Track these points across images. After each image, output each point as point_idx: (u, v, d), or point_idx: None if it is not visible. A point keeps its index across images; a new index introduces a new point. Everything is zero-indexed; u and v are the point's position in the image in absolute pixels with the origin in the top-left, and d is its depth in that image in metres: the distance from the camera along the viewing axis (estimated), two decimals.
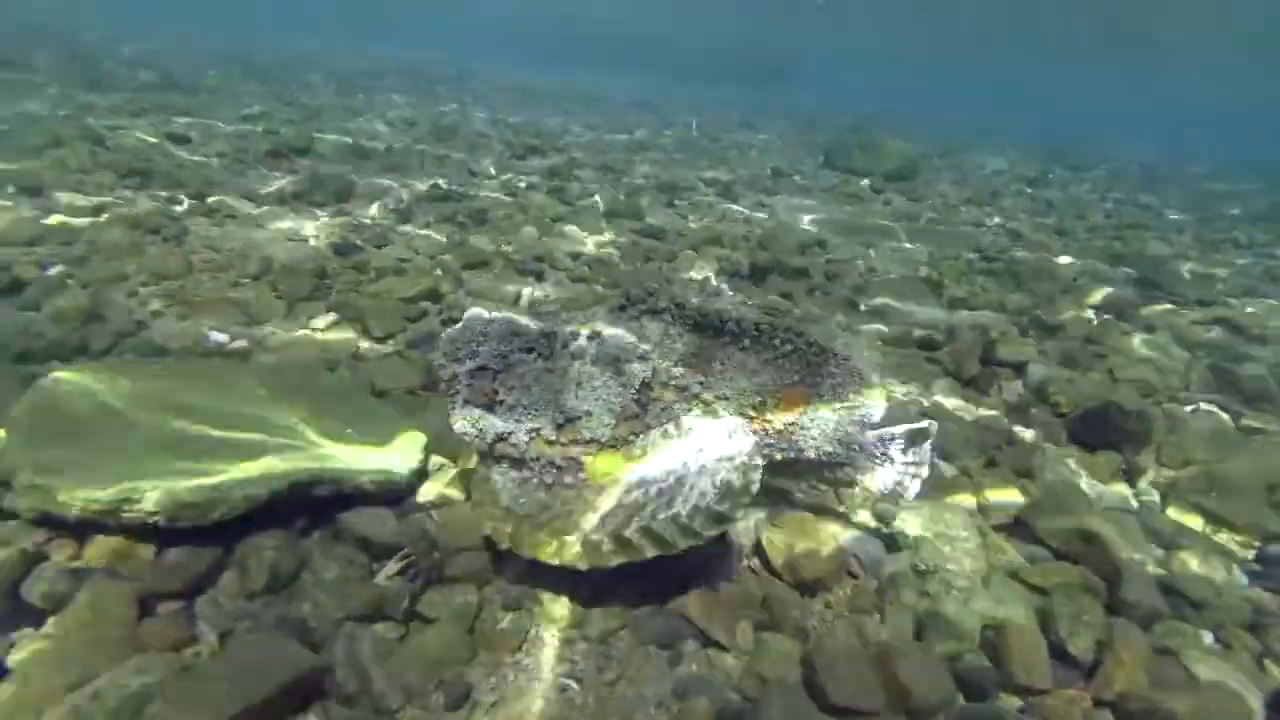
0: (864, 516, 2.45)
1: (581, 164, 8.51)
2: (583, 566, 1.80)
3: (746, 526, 2.33)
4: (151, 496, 1.80)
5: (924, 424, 2.27)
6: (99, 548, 1.85)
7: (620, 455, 2.01)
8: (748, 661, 1.85)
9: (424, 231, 5.11)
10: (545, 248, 4.96)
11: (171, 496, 1.81)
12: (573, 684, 1.75)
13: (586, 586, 1.97)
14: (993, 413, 3.38)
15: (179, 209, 4.82)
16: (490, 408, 1.97)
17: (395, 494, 2.18)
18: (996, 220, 8.16)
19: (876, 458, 2.25)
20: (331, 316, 3.49)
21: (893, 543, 2.34)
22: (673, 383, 2.04)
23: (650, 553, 1.78)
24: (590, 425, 1.98)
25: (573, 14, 55.20)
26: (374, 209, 5.51)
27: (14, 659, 1.54)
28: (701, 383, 2.08)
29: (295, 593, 1.86)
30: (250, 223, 4.78)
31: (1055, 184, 11.97)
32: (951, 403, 3.47)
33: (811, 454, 2.16)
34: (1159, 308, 5.41)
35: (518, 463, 1.99)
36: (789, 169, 10.01)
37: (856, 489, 2.27)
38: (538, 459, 1.97)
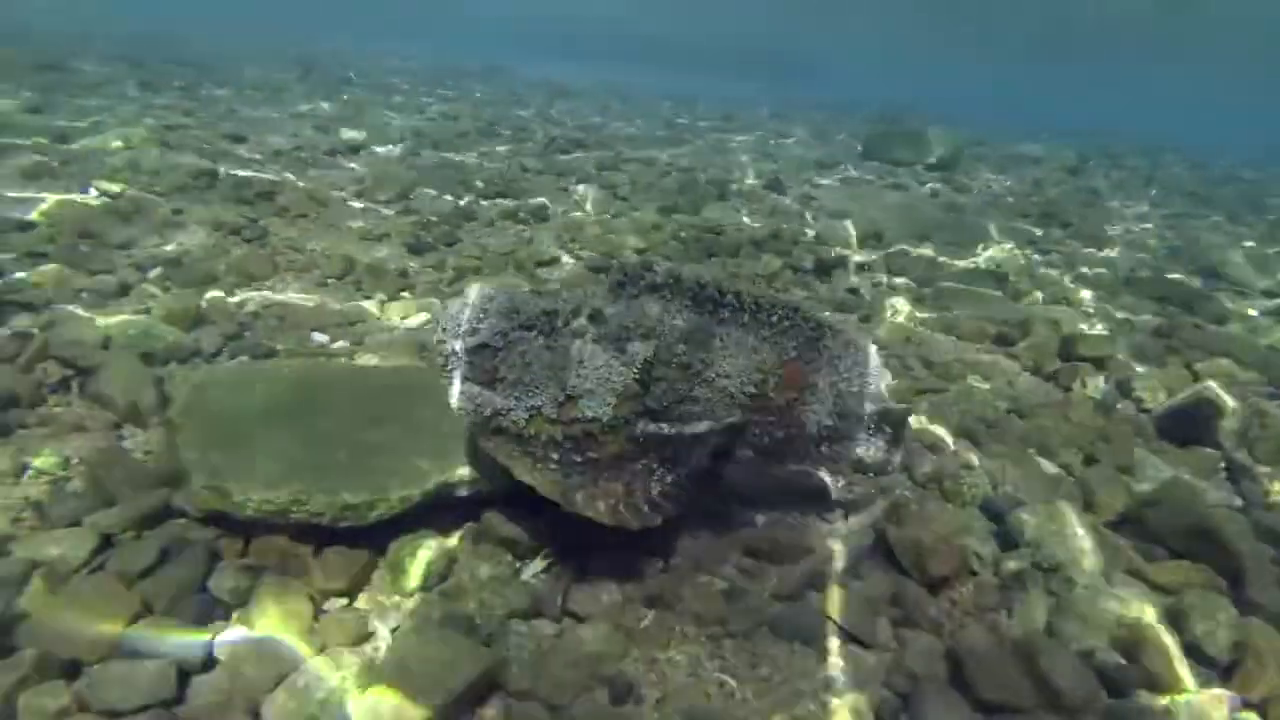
0: (978, 513, 2.49)
1: (628, 158, 8.53)
2: (635, 525, 1.92)
3: (864, 524, 2.38)
4: (319, 499, 1.87)
5: (902, 407, 2.33)
6: (264, 546, 1.93)
7: (622, 436, 1.99)
8: (893, 657, 1.90)
9: (489, 229, 5.17)
10: (611, 245, 5.00)
11: (335, 498, 1.89)
12: (729, 679, 1.81)
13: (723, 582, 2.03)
14: (1081, 409, 3.39)
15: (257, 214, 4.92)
16: (490, 384, 1.92)
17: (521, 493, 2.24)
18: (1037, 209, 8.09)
19: (870, 430, 2.30)
20: (424, 316, 3.56)
21: (1009, 540, 2.38)
22: (675, 360, 1.99)
23: (673, 509, 1.94)
24: (591, 404, 1.93)
25: (579, 13, 55.10)
26: (436, 205, 5.58)
27: (219, 651, 1.63)
28: (704, 360, 2.02)
29: (454, 591, 1.93)
30: (324, 222, 4.87)
31: (1095, 173, 11.80)
32: (1036, 399, 3.48)
33: (813, 429, 2.17)
34: (1226, 300, 5.35)
35: (517, 439, 1.94)
36: (830, 160, 9.96)
37: (846, 462, 2.31)
38: (537, 436, 1.93)
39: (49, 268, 3.50)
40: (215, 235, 4.33)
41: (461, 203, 5.74)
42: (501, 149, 8.10)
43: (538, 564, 2.06)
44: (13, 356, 2.67)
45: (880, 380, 2.26)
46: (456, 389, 1.92)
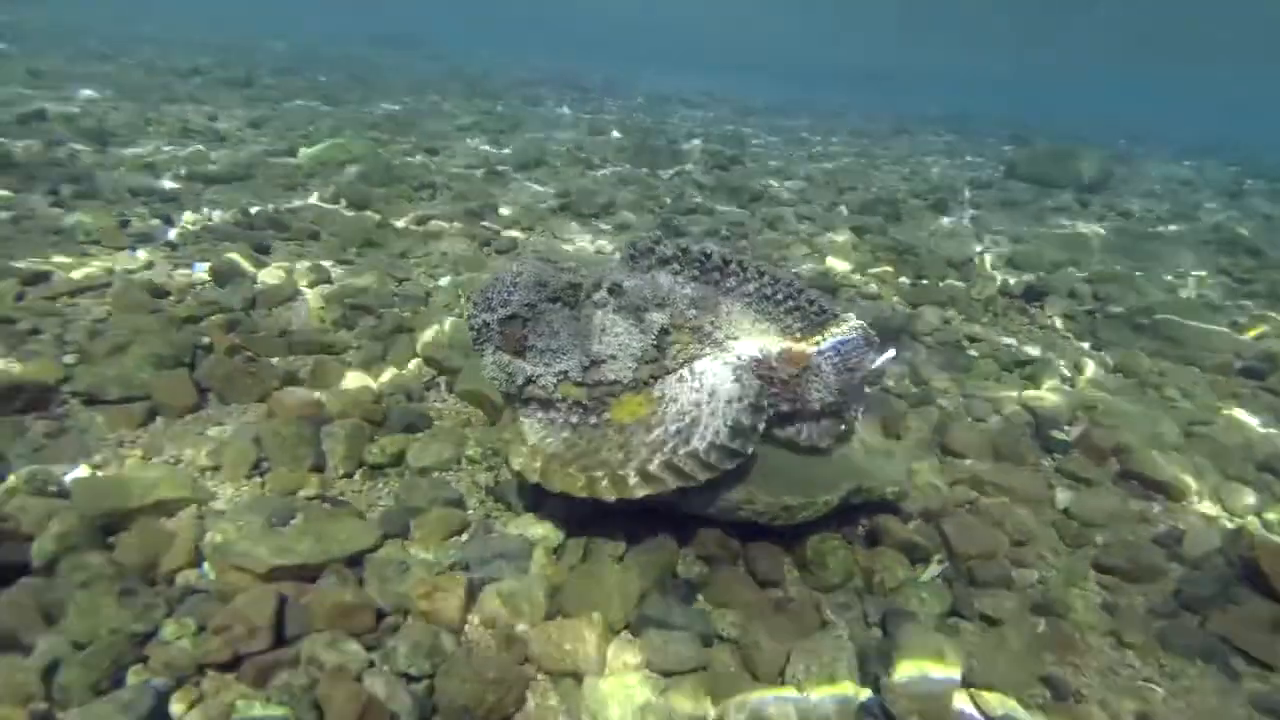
0: None
1: (788, 173, 8.71)
2: (610, 498, 1.87)
3: (1227, 534, 2.48)
4: (763, 499, 2.12)
5: (890, 352, 2.33)
6: (705, 538, 2.19)
7: (641, 398, 2.10)
8: None
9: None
10: (828, 267, 5.18)
11: (776, 500, 2.13)
12: (1154, 688, 1.95)
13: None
14: None
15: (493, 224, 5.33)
16: (520, 353, 2.07)
17: (898, 502, 2.45)
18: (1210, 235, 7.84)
19: (863, 395, 2.39)
20: None
21: None
22: (688, 325, 2.13)
23: (673, 484, 1.87)
24: (614, 368, 2.07)
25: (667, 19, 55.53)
26: (619, 222, 5.90)
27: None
28: (713, 322, 2.16)
29: (885, 590, 2.14)
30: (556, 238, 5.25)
31: (1252, 193, 11.28)
32: None
33: (816, 405, 2.23)
34: None
35: (545, 403, 2.07)
36: (982, 181, 9.86)
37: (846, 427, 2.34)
38: (564, 400, 2.06)
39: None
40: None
41: (638, 219, 6.03)
42: (667, 171, 8.39)
43: (934, 568, 2.26)
44: None
45: (881, 364, 2.32)
46: (489, 359, 2.09)
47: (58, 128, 6.64)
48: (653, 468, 1.90)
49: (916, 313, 4.49)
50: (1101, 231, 7.46)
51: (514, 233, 5.30)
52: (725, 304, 2.18)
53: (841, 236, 6.01)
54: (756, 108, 17.73)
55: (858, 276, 5.06)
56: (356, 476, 2.41)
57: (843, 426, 2.36)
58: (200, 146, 6.76)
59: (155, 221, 4.52)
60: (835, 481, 2.25)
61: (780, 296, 2.19)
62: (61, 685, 1.50)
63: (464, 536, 2.18)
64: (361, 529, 2.06)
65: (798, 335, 2.22)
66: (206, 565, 1.90)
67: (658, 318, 2.10)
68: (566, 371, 2.06)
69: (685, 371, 2.11)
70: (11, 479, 2.11)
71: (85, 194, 4.86)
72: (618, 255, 2.26)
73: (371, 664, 1.65)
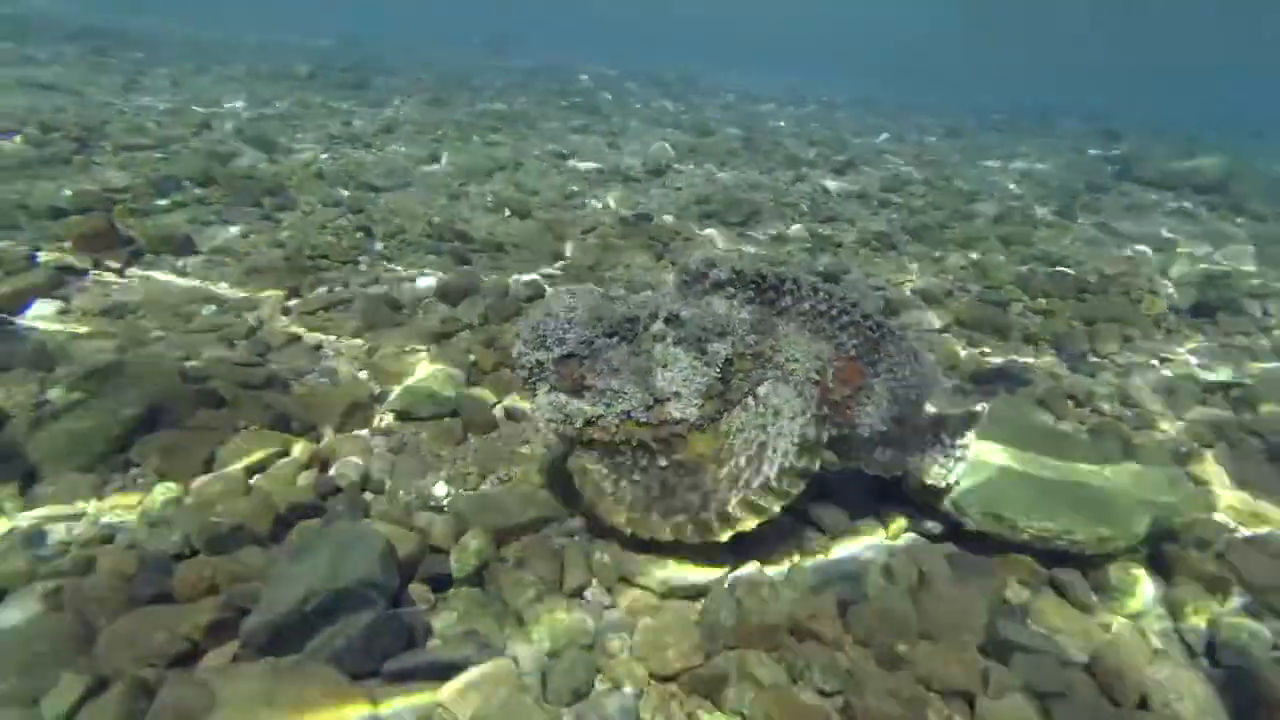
0: None
1: (906, 177, 8.69)
2: (696, 541, 1.96)
3: None
4: (1084, 530, 2.25)
5: (977, 407, 2.29)
6: (1015, 564, 2.33)
7: (708, 436, 2.03)
8: None
9: (855, 258, 5.54)
10: (997, 280, 5.21)
11: (1094, 530, 2.26)
12: None
13: None
14: None
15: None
16: (578, 393, 1.96)
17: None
18: None
19: (927, 440, 2.29)
20: None
21: None
22: (749, 352, 2.03)
23: (752, 523, 1.92)
24: (679, 406, 1.97)
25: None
26: (771, 232, 6.01)
27: None
28: (773, 346, 2.05)
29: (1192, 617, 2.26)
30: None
31: None
32: None
33: (865, 432, 2.16)
34: None
35: (609, 447, 1.99)
36: (1097, 184, 9.64)
37: (907, 475, 2.30)
38: (628, 442, 1.98)
39: None
40: None
41: (789, 230, 6.12)
42: (787, 175, 8.45)
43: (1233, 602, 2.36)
44: None
45: (940, 389, 2.30)
46: (543, 400, 1.99)
47: (229, 138, 7.05)
48: (731, 508, 1.93)
49: (1093, 330, 4.51)
50: (1242, 235, 7.28)
51: (680, 243, 5.45)
52: (781, 325, 2.07)
53: (994, 257, 6.00)
54: (839, 103, 17.59)
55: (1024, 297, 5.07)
56: None
57: (898, 472, 2.31)
58: (353, 152, 7.10)
59: (359, 235, 4.81)
60: (1133, 512, 2.37)
61: (835, 313, 2.06)
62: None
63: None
64: None
65: (852, 352, 2.11)
66: None
67: (721, 348, 2.00)
68: (629, 412, 1.97)
69: (749, 399, 2.04)
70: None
71: (285, 205, 5.19)
72: (670, 280, 2.18)
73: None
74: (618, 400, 1.96)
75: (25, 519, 2.08)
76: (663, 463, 1.99)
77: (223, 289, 3.83)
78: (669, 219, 5.98)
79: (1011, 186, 9.12)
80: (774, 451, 1.96)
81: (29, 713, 1.50)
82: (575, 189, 6.67)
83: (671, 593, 2.05)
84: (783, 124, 12.72)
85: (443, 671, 1.72)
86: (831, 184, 7.91)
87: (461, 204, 5.90)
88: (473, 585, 2.03)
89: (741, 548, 2.10)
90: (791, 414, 2.00)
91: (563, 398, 1.97)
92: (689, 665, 1.81)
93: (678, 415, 1.97)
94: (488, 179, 6.72)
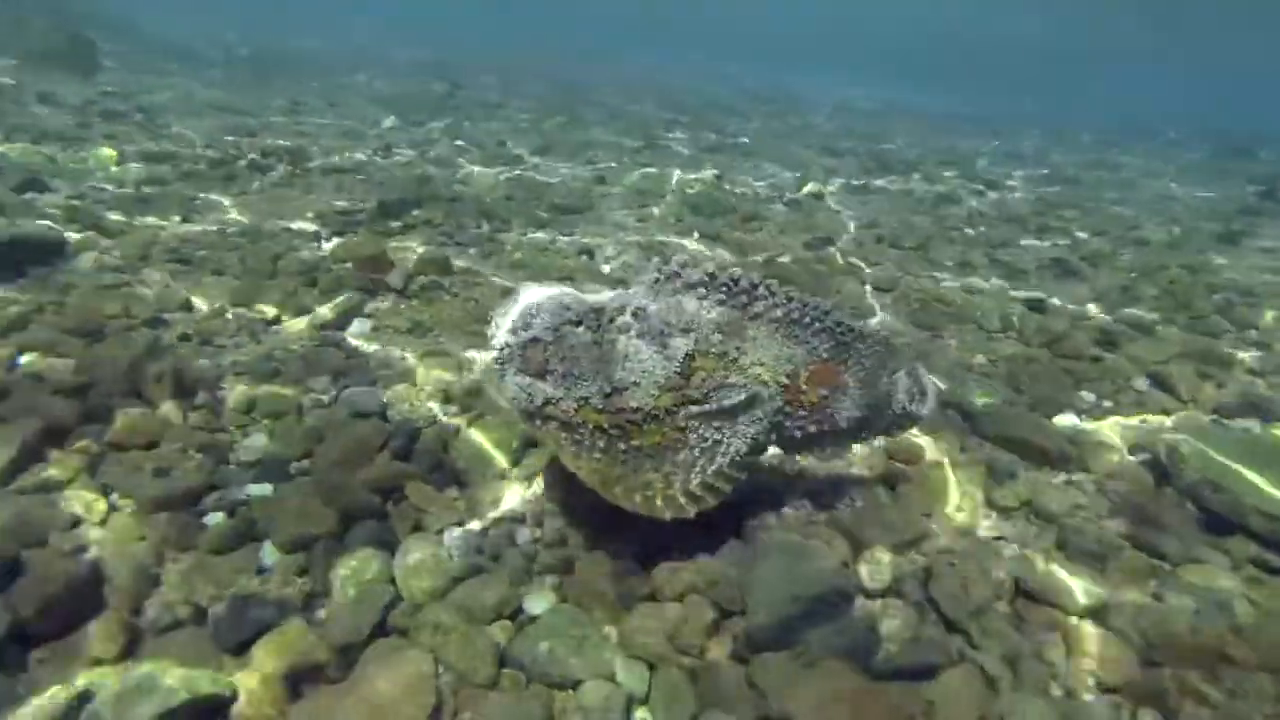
0: None
1: (1050, 200, 8.67)
2: (666, 516, 2.05)
3: None
4: None
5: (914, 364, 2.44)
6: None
7: (664, 429, 2.11)
8: None
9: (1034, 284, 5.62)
10: (1201, 311, 5.23)
11: None
12: None
13: None
14: None
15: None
16: (541, 375, 2.07)
17: None
18: None
19: (888, 409, 2.45)
20: None
21: None
22: (712, 350, 2.10)
23: (712, 502, 2.08)
24: (637, 395, 2.06)
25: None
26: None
27: None
28: (739, 348, 2.12)
29: None
30: None
31: None
32: None
33: (844, 424, 2.29)
34: None
35: (565, 425, 2.10)
36: (1250, 205, 9.39)
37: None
38: (585, 425, 2.07)
39: None
40: None
41: (969, 256, 6.21)
42: (926, 191, 8.53)
43: None
44: None
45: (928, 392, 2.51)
46: (511, 379, 2.11)
47: (415, 159, 7.54)
48: (694, 487, 2.10)
49: None
50: None
51: (866, 270, 5.62)
52: (751, 329, 2.15)
53: (1175, 282, 5.98)
54: (933, 114, 17.48)
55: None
56: None
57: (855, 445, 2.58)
58: (525, 174, 7.50)
59: (583, 259, 5.14)
60: None
61: (808, 320, 2.16)
62: None
63: None
64: None
65: (824, 357, 2.24)
66: None
67: (681, 343, 2.08)
68: (587, 398, 2.06)
69: (708, 400, 2.13)
70: None
71: (500, 229, 5.57)
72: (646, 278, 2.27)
73: None
74: (576, 386, 2.06)
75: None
76: (622, 446, 2.10)
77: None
78: (844, 244, 6.16)
79: (1168, 208, 8.99)
80: (729, 448, 2.13)
81: None
82: (757, 211, 6.88)
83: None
84: (897, 139, 12.75)
85: None
86: (984, 207, 7.96)
87: (650, 226, 6.19)
88: None
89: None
90: (747, 419, 2.15)
91: (527, 379, 2.08)
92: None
93: (634, 405, 2.06)
94: (659, 200, 7.00)
